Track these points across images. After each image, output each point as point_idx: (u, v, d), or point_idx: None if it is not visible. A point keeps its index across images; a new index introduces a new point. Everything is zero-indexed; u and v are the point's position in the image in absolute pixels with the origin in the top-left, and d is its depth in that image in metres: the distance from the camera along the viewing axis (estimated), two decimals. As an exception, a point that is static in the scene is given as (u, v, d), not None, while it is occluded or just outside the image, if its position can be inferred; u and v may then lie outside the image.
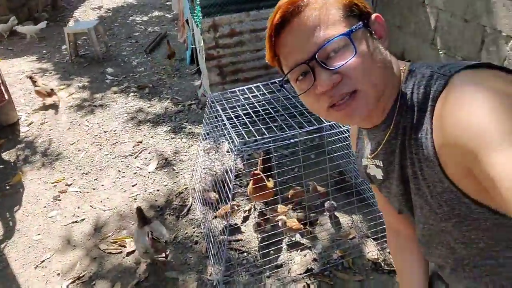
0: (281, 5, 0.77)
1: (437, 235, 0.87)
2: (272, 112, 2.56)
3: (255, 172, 2.49)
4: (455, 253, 0.86)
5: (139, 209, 2.42)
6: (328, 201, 2.54)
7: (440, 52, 3.22)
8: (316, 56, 0.74)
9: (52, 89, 4.50)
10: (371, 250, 2.31)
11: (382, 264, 2.21)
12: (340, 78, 0.74)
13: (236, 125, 2.38)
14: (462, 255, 0.85)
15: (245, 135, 2.23)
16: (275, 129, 2.49)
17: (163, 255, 2.44)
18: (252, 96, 2.61)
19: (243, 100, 2.59)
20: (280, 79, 2.71)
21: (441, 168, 0.73)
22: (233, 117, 2.42)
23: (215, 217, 2.66)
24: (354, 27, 0.75)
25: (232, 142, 2.20)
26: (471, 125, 0.62)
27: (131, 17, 7.79)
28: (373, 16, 0.80)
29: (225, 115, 2.37)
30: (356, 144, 1.07)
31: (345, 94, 0.76)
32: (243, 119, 2.39)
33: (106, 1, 9.00)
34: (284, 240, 2.45)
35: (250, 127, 2.36)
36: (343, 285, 2.15)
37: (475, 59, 2.82)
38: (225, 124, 2.32)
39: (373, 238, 2.39)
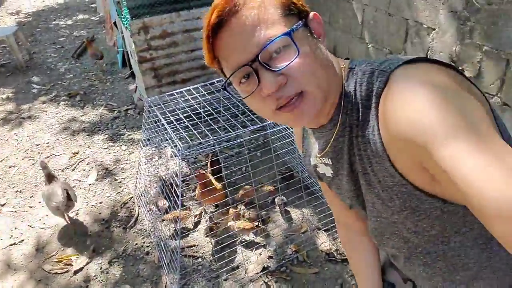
0: (217, 4, 0.74)
1: (389, 227, 0.90)
2: (214, 113, 2.55)
3: (201, 175, 2.46)
4: (408, 242, 0.89)
5: (43, 164, 2.61)
6: (278, 197, 2.58)
7: (369, 46, 3.38)
8: (259, 57, 0.72)
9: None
10: (324, 242, 2.39)
11: (335, 254, 2.29)
12: (285, 79, 0.73)
13: (178, 129, 2.34)
14: (415, 244, 0.88)
15: (188, 139, 2.21)
16: (218, 130, 2.49)
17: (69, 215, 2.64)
18: (191, 98, 2.57)
19: (182, 103, 2.55)
20: (219, 79, 2.69)
21: (391, 163, 0.74)
22: (174, 121, 2.38)
23: (163, 220, 2.60)
24: (294, 26, 0.73)
25: (175, 146, 2.17)
26: (416, 121, 0.63)
27: (54, 22, 7.36)
28: (311, 14, 0.79)
29: (165, 119, 2.32)
30: (302, 144, 1.06)
31: (292, 96, 0.74)
32: (185, 122, 2.36)
33: (25, 6, 8.44)
34: (238, 241, 2.46)
35: (193, 130, 2.34)
36: (300, 278, 2.20)
37: (401, 51, 2.99)
38: (166, 129, 2.27)
39: (324, 230, 2.46)
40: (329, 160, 0.92)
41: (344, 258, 2.25)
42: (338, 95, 0.81)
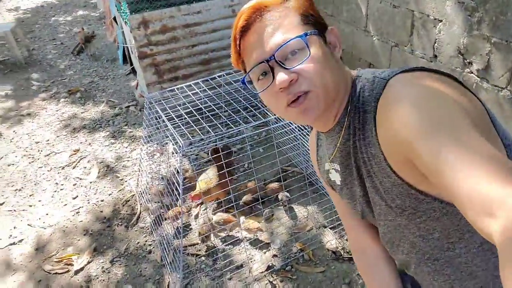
0: (244, 11, 0.85)
1: (396, 231, 0.91)
2: (215, 109, 2.49)
3: (195, 196, 2.38)
4: (415, 247, 0.89)
5: None
6: (281, 193, 2.52)
7: (374, 38, 3.31)
8: (275, 56, 0.81)
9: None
10: (330, 240, 2.33)
11: (342, 253, 2.24)
12: (296, 77, 0.80)
13: (179, 125, 2.29)
14: (422, 249, 0.88)
15: (189, 135, 2.16)
16: (220, 126, 2.43)
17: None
18: (192, 93, 2.52)
19: (183, 99, 2.50)
20: (220, 74, 2.71)
21: (387, 163, 0.79)
22: (175, 117, 2.33)
23: (165, 218, 2.55)
24: (309, 31, 0.83)
25: (176, 143, 2.12)
26: (407, 120, 0.68)
27: (53, 18, 7.30)
28: (329, 28, 0.89)
29: (166, 115, 2.27)
30: (316, 153, 1.11)
31: (300, 93, 0.81)
32: (186, 118, 2.31)
33: (24, 2, 8.37)
34: (242, 240, 2.41)
35: (194, 126, 2.29)
36: (305, 278, 2.15)
37: (406, 44, 2.92)
38: (166, 125, 2.22)
39: (330, 228, 2.41)
40: (338, 166, 0.97)
41: (351, 256, 2.20)
42: (346, 100, 0.88)
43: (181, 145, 2.01)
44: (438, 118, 0.66)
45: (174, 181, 2.70)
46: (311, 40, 0.82)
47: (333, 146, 0.95)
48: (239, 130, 2.20)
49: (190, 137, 2.19)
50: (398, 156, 0.75)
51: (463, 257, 0.84)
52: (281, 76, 0.80)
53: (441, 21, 2.56)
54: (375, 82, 0.83)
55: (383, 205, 0.87)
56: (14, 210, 2.91)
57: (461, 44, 2.45)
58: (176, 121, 2.32)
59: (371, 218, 0.99)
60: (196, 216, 2.66)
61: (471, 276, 0.85)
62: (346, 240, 2.32)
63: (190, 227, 2.58)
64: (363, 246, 1.13)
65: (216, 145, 2.78)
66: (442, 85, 0.75)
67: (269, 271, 2.20)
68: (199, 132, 2.34)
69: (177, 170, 2.57)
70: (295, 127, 2.42)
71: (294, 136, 2.46)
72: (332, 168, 1.01)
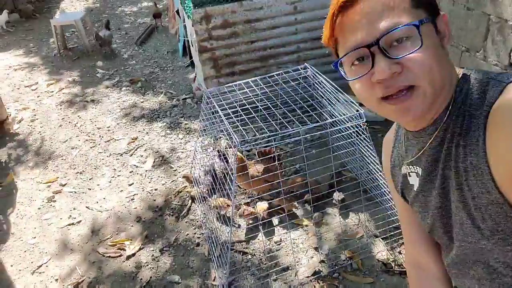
0: None
1: (474, 254, 0.81)
2: (271, 107, 2.47)
3: (238, 158, 2.40)
4: (493, 274, 0.80)
5: None
6: (336, 192, 2.45)
7: (442, 42, 3.15)
8: (380, 42, 0.71)
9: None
10: (381, 250, 2.25)
11: (393, 265, 2.15)
12: (400, 69, 0.71)
13: (234, 121, 2.30)
14: (502, 278, 0.79)
15: (243, 132, 2.16)
16: (275, 125, 2.42)
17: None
18: (249, 90, 2.52)
19: (240, 95, 2.51)
20: (279, 72, 2.63)
21: (491, 177, 0.69)
22: (231, 113, 2.33)
23: (213, 207, 2.58)
24: (424, 19, 0.72)
25: (231, 140, 2.12)
26: None
27: (119, 8, 7.60)
28: (441, 14, 0.78)
29: (222, 111, 2.28)
30: (391, 153, 1.02)
31: (402, 87, 0.72)
32: (241, 115, 2.31)
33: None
34: (288, 234, 2.38)
35: (249, 124, 2.28)
36: (352, 287, 2.09)
37: (479, 50, 2.75)
38: (222, 121, 2.24)
39: (382, 238, 2.32)
40: (420, 170, 0.87)
41: (402, 270, 2.11)
42: (448, 100, 0.78)
43: (236, 143, 2.02)
44: None
45: (225, 175, 2.72)
46: (423, 29, 0.71)
47: (419, 148, 0.85)
48: (295, 132, 2.16)
49: (245, 134, 2.19)
50: (508, 174, 0.66)
51: None
52: (383, 66, 0.71)
53: (520, 27, 2.38)
54: (490, 84, 0.74)
55: (468, 224, 0.78)
56: (75, 192, 3.07)
57: (541, 53, 2.26)
58: (231, 116, 2.33)
59: (439, 234, 0.91)
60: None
61: None
62: (399, 252, 2.23)
63: (239, 223, 2.59)
64: (421, 262, 1.05)
65: (266, 146, 2.77)
66: None
67: (315, 276, 2.16)
68: (253, 129, 2.35)
69: (230, 166, 2.59)
70: (353, 132, 2.35)
71: (351, 141, 2.39)
72: (413, 172, 0.91)
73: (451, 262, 0.91)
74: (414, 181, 0.91)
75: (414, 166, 0.89)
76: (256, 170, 2.54)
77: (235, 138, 2.04)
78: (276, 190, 2.45)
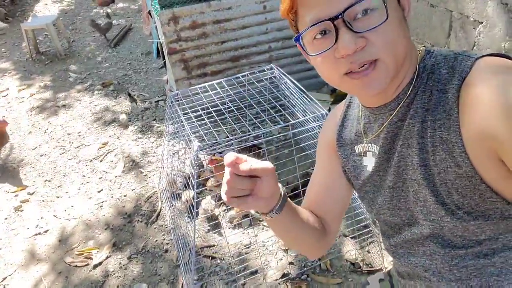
0: None
1: (433, 230, 0.80)
2: (235, 110, 2.45)
3: (212, 161, 2.36)
4: (446, 248, 0.80)
5: None
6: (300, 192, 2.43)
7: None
8: (344, 14, 0.67)
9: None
10: (349, 250, 2.24)
11: (361, 265, 2.14)
12: (364, 43, 0.68)
13: (200, 124, 2.26)
14: (455, 252, 0.79)
15: (215, 134, 2.13)
16: (247, 125, 2.40)
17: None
18: (219, 91, 2.49)
19: (213, 95, 2.48)
20: (253, 71, 2.55)
21: (464, 149, 0.68)
22: (193, 117, 2.30)
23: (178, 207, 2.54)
24: None
25: (191, 144, 2.09)
26: (505, 114, 0.61)
27: (94, 10, 7.47)
28: None
29: (189, 113, 2.24)
30: (337, 131, 0.98)
31: (366, 62, 0.70)
32: (210, 117, 2.28)
33: (68, -7, 8.61)
34: (257, 240, 2.36)
35: (221, 125, 2.26)
36: (320, 288, 2.08)
37: (443, 45, 2.76)
38: (190, 123, 2.20)
39: (351, 237, 2.31)
40: (377, 148, 0.85)
41: (370, 269, 2.11)
42: (411, 75, 0.77)
43: (196, 149, 1.99)
44: None
45: (190, 175, 2.68)
46: (388, 1, 0.69)
47: (379, 124, 0.83)
48: (258, 135, 2.14)
49: (216, 136, 2.16)
50: (483, 148, 0.66)
51: (497, 268, 0.76)
52: (348, 41, 0.67)
53: (481, 23, 2.39)
54: (458, 60, 0.73)
55: (431, 201, 0.76)
56: (43, 201, 3.00)
57: (502, 48, 2.28)
58: (199, 119, 2.30)
59: (386, 217, 0.89)
60: (218, 224, 2.64)
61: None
62: (368, 251, 2.23)
63: (207, 227, 2.55)
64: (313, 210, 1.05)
65: (235, 148, 2.75)
66: None
67: (284, 279, 2.14)
68: (225, 131, 2.32)
69: (192, 165, 2.56)
70: (318, 132, 2.34)
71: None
72: (369, 151, 0.88)
73: (400, 241, 0.90)
74: (369, 161, 0.89)
75: (372, 144, 0.87)
76: (223, 175, 2.50)
77: (195, 144, 2.01)
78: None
